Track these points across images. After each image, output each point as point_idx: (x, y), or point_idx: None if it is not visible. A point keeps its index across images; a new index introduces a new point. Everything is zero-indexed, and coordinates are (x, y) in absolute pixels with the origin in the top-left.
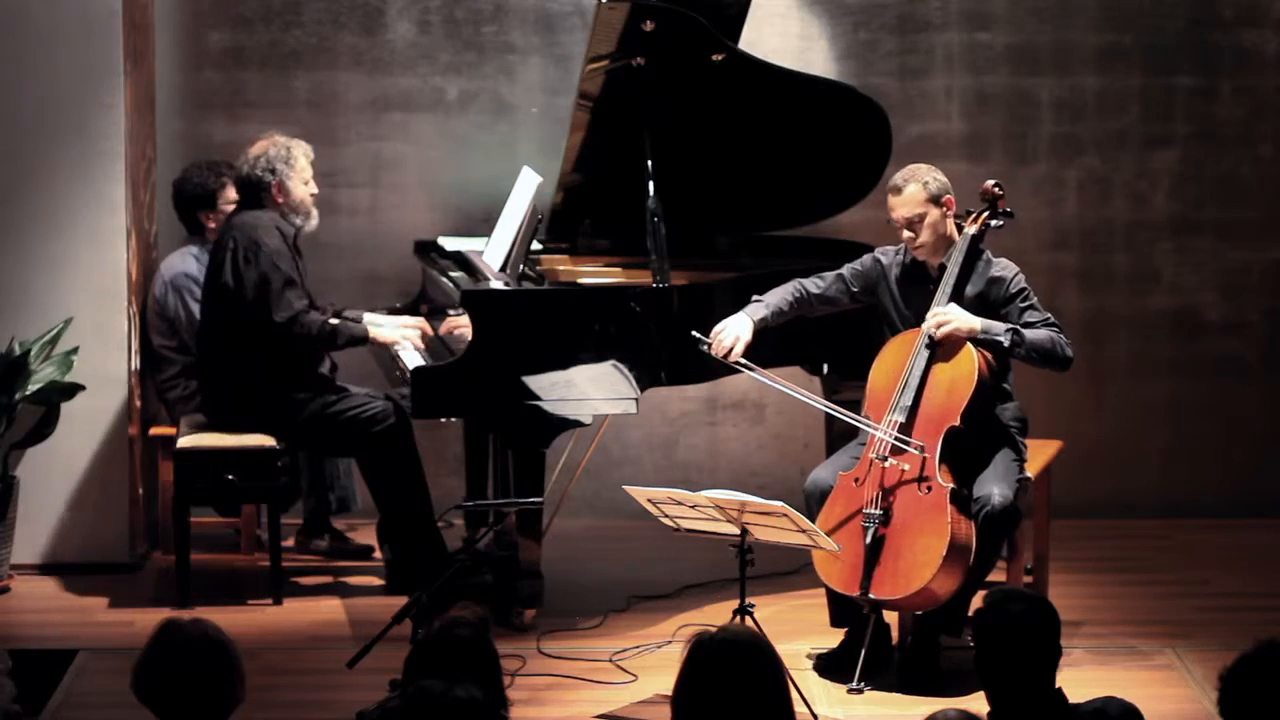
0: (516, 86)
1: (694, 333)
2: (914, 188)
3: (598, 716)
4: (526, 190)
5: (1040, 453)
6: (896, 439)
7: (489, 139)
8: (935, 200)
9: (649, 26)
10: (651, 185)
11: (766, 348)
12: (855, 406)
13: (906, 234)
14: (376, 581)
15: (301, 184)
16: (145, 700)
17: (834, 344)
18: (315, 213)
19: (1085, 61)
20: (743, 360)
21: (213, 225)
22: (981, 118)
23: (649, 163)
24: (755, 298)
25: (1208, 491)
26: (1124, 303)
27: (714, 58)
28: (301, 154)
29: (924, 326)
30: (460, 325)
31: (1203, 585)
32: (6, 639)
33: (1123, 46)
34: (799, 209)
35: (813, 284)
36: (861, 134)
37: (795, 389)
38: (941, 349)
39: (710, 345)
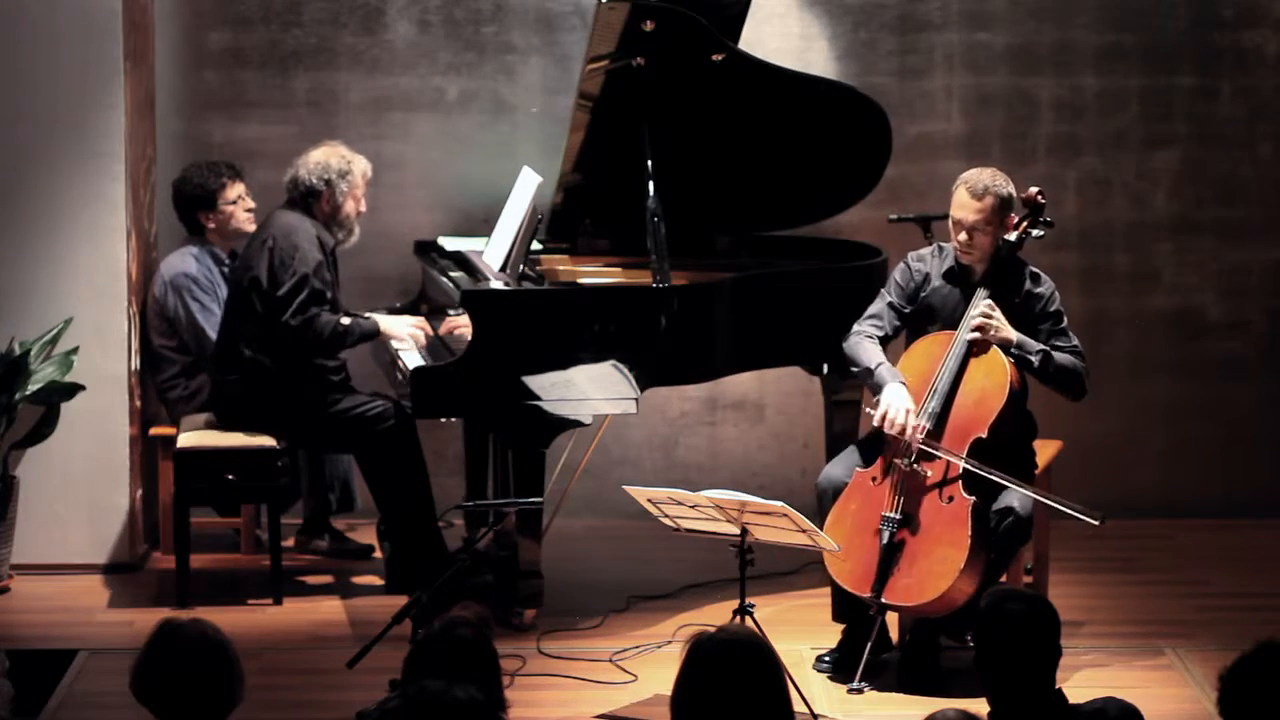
0: (516, 86)
1: (866, 409)
2: (992, 200)
3: (598, 716)
4: (526, 190)
5: (1040, 453)
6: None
7: (489, 139)
8: (1005, 215)
9: (649, 26)
10: (651, 185)
11: (765, 349)
12: (854, 406)
13: (962, 237)
14: (376, 581)
15: (352, 200)
16: (144, 700)
17: (834, 344)
18: (358, 230)
19: (1085, 61)
20: (929, 442)
21: (212, 225)
22: (981, 118)
23: (649, 163)
24: (876, 363)
25: (1208, 491)
26: (1124, 303)
27: (714, 58)
28: (360, 171)
29: (969, 321)
30: (460, 325)
31: (1203, 585)
32: (6, 639)
33: (1123, 46)
34: (799, 209)
35: (874, 328)
36: (861, 134)
37: (998, 474)
38: (974, 358)
39: (884, 424)
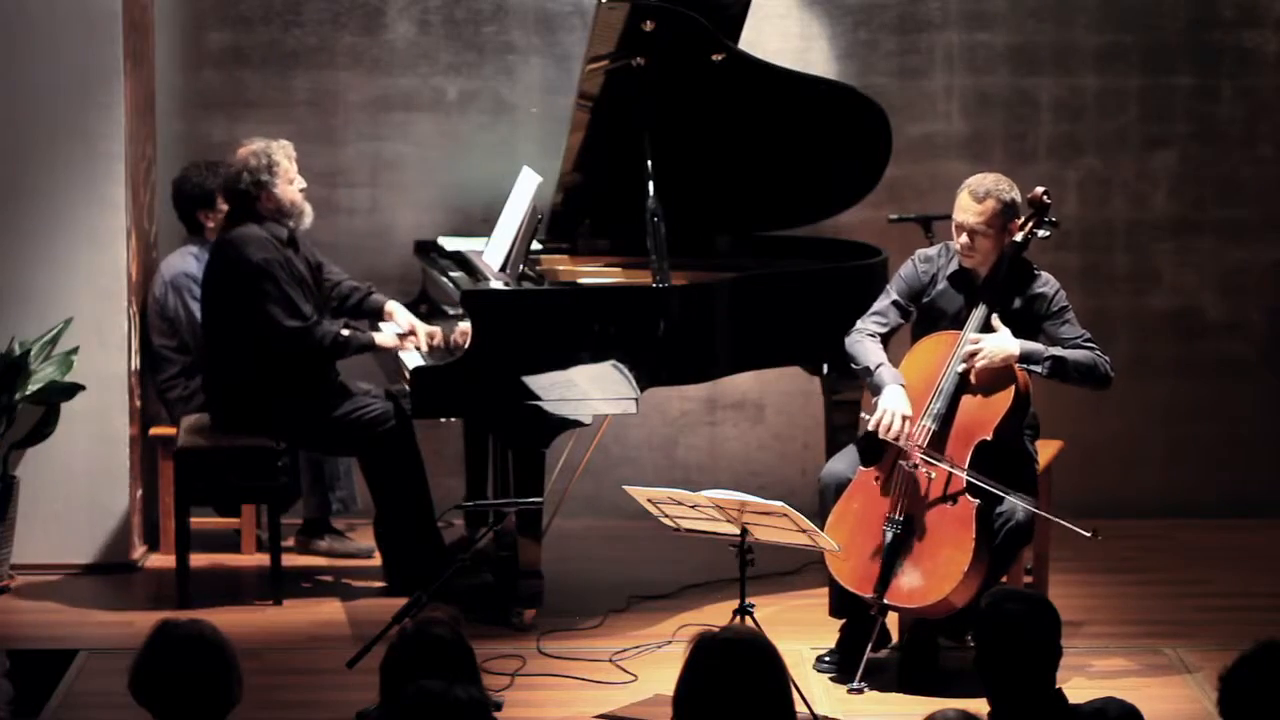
0: (516, 86)
1: (862, 414)
2: (993, 204)
3: (598, 716)
4: (526, 190)
5: (1041, 453)
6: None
7: (489, 139)
8: (1007, 219)
9: (649, 26)
10: (651, 185)
11: (765, 349)
12: (854, 406)
13: (964, 240)
14: (376, 581)
15: (287, 185)
16: (142, 701)
17: (834, 344)
18: (309, 208)
19: (1085, 61)
20: (929, 452)
21: (212, 225)
22: (981, 118)
23: (649, 163)
24: (876, 363)
25: (1208, 491)
26: (1124, 303)
27: (714, 58)
28: (283, 156)
29: (958, 351)
30: (468, 333)
31: (1203, 585)
32: (6, 639)
33: (1123, 46)
34: (799, 209)
35: (877, 325)
36: (861, 134)
37: (999, 486)
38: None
39: (879, 430)
